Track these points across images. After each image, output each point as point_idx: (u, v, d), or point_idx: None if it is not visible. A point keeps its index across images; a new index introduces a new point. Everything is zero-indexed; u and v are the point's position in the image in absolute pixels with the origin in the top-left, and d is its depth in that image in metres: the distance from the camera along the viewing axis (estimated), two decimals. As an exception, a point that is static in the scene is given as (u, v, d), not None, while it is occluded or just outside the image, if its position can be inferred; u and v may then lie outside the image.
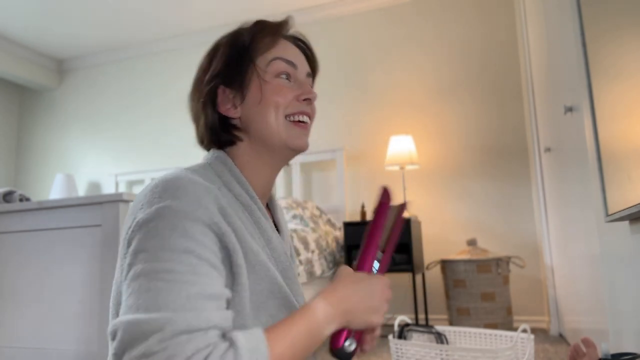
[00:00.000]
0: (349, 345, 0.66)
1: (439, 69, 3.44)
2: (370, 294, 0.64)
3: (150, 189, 0.62)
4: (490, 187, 3.21)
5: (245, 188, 0.71)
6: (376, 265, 0.74)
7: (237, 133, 0.74)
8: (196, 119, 0.77)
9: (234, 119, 0.75)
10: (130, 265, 0.56)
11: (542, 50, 2.45)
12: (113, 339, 0.52)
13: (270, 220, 0.74)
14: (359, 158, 3.54)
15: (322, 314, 0.59)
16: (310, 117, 0.77)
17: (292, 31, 0.80)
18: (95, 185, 4.42)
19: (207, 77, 0.74)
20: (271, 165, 0.76)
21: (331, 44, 3.76)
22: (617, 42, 1.12)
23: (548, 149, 2.50)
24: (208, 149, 0.77)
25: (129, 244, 0.58)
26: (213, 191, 0.62)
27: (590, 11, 1.31)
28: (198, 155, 0.80)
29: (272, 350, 0.52)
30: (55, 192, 4.13)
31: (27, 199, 1.85)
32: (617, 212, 1.14)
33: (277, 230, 0.80)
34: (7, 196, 1.80)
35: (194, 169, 0.69)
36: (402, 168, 3.21)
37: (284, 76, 0.74)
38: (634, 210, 1.00)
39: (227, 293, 0.58)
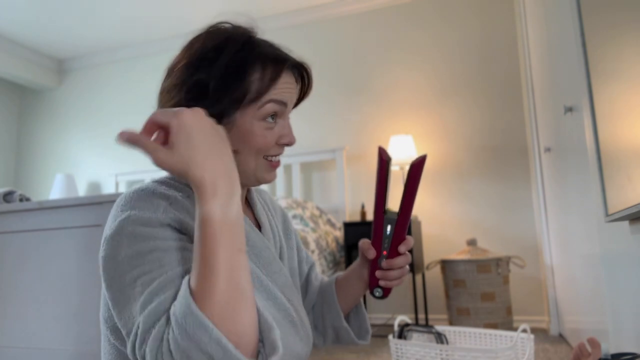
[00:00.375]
0: (378, 293, 0.83)
1: (439, 69, 3.44)
2: (199, 135, 0.56)
3: (116, 204, 0.65)
4: (491, 187, 3.21)
5: None
6: (389, 228, 0.80)
7: None
8: None
9: None
10: (105, 277, 0.61)
11: (542, 50, 2.45)
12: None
13: (248, 218, 0.76)
14: (359, 158, 3.54)
15: (218, 212, 0.54)
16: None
17: (294, 59, 0.75)
18: (95, 185, 4.42)
19: (188, 88, 0.69)
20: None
21: (331, 44, 3.76)
22: (617, 42, 1.12)
23: (548, 149, 2.50)
24: None
25: (102, 260, 0.62)
26: (177, 198, 0.65)
27: (590, 11, 1.31)
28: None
29: (200, 294, 0.51)
30: (55, 192, 4.13)
31: (27, 199, 1.85)
32: (617, 212, 1.14)
33: (259, 226, 0.81)
34: (7, 196, 1.80)
35: (162, 180, 0.70)
36: (402, 168, 3.21)
37: (270, 118, 0.71)
38: (634, 210, 1.00)
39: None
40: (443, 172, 3.33)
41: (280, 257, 0.82)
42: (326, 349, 2.55)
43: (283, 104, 0.71)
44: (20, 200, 1.82)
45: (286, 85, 0.72)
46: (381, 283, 0.82)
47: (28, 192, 4.53)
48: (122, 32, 4.18)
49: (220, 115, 0.68)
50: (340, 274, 0.94)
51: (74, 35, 4.21)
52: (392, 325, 3.14)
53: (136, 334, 0.53)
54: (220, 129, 0.59)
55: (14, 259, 1.67)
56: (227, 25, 0.74)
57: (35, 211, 1.66)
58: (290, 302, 0.75)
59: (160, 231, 0.60)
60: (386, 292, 0.84)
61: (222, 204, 0.54)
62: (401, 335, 1.58)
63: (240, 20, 0.76)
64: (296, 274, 0.88)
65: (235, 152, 0.70)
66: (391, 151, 3.19)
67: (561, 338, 2.61)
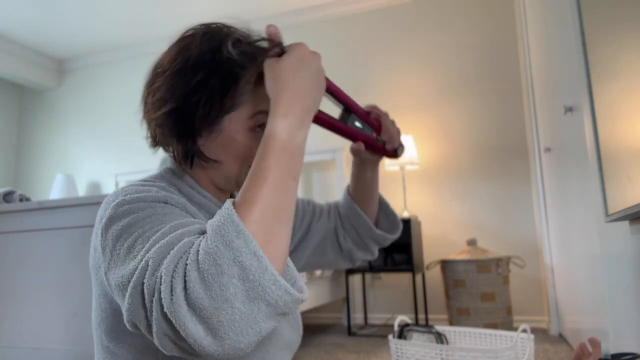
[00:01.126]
0: (401, 150, 0.89)
1: (439, 69, 3.44)
2: (306, 68, 0.60)
3: (103, 202, 0.64)
4: (490, 187, 3.21)
5: (198, 191, 0.70)
6: (356, 123, 0.85)
7: (196, 159, 0.70)
8: (152, 125, 0.72)
9: (201, 151, 0.69)
10: (108, 250, 0.57)
11: (542, 50, 2.45)
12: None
13: None
14: (359, 158, 3.54)
15: (284, 132, 0.54)
16: None
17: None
18: (95, 185, 4.42)
19: (178, 93, 0.67)
20: (221, 190, 0.75)
21: (331, 44, 3.76)
22: (617, 42, 1.12)
23: (548, 149, 2.50)
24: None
25: (102, 248, 0.58)
26: (171, 194, 0.64)
27: (591, 11, 1.31)
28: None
29: (243, 205, 0.49)
30: (55, 192, 4.13)
31: (27, 199, 1.85)
32: (617, 212, 1.14)
33: None
34: (7, 196, 1.80)
35: (146, 180, 0.68)
36: (402, 168, 3.21)
37: (259, 128, 0.69)
38: (634, 210, 1.00)
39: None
40: (443, 172, 3.33)
41: None
42: (326, 350, 2.55)
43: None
44: (20, 200, 1.82)
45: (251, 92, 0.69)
46: (389, 146, 0.87)
47: (28, 192, 4.53)
48: (122, 32, 4.18)
49: (209, 122, 0.66)
50: (348, 185, 0.98)
51: (74, 35, 4.20)
52: (392, 325, 3.14)
53: (145, 266, 0.48)
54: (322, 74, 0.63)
55: (14, 259, 1.67)
56: (215, 26, 0.72)
57: (35, 211, 1.66)
58: None
59: (158, 204, 0.59)
60: (399, 145, 0.89)
61: (291, 125, 0.55)
62: (401, 335, 1.58)
63: (230, 21, 0.74)
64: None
65: (218, 161, 0.69)
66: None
67: (561, 338, 2.61)
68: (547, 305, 2.90)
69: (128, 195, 0.60)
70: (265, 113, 0.67)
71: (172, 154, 0.71)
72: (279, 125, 0.54)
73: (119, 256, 0.55)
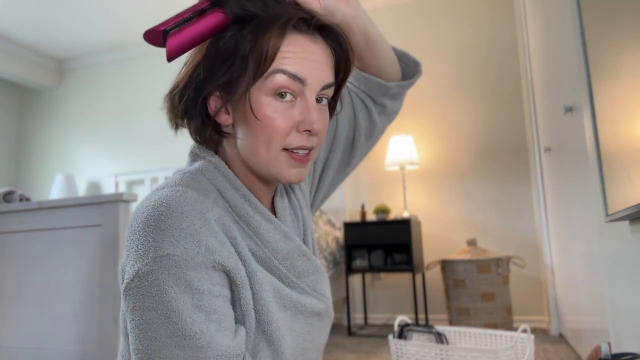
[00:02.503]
0: None
1: (439, 69, 3.44)
2: None
3: (142, 225, 0.55)
4: (490, 187, 3.21)
5: (242, 193, 0.63)
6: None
7: (229, 138, 0.64)
8: (181, 116, 0.65)
9: (225, 125, 0.63)
10: (135, 321, 0.53)
11: (542, 50, 2.45)
12: None
13: (278, 222, 0.66)
14: (359, 158, 3.54)
15: None
16: (313, 149, 0.64)
17: (316, 19, 0.61)
18: (95, 185, 4.42)
19: (195, 73, 0.62)
20: (268, 185, 0.68)
21: (331, 44, 3.75)
22: (617, 42, 1.12)
23: (548, 149, 2.50)
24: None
25: (128, 293, 0.54)
26: (211, 217, 0.57)
27: (591, 11, 1.31)
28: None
29: None
30: (55, 192, 4.13)
31: (27, 199, 1.85)
32: (617, 212, 1.14)
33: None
34: (7, 196, 1.80)
35: (186, 182, 0.60)
36: (402, 168, 3.21)
37: (283, 95, 0.59)
38: (634, 210, 1.00)
39: (240, 336, 0.58)
40: (443, 172, 3.33)
41: (305, 240, 0.75)
42: (326, 350, 2.55)
43: (295, 77, 0.59)
44: (20, 200, 1.82)
45: (301, 50, 0.59)
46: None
47: (28, 192, 4.53)
48: (122, 32, 4.18)
49: (228, 94, 0.60)
50: None
51: (74, 35, 4.20)
52: (392, 325, 3.14)
53: None
54: None
55: (14, 259, 1.67)
56: None
57: (35, 211, 1.66)
58: (322, 295, 0.71)
59: (205, 281, 0.54)
60: None
61: None
62: (401, 335, 1.58)
63: None
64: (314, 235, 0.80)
65: (242, 141, 0.62)
66: (391, 151, 3.19)
67: (561, 338, 2.61)
68: (547, 305, 2.90)
69: (173, 246, 0.53)
70: (283, 72, 0.58)
71: (196, 135, 0.65)
72: None
73: (131, 331, 0.54)
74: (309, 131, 0.61)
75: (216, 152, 0.67)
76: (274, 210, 0.72)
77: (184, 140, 0.75)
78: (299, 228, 0.74)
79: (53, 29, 4.06)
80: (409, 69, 0.86)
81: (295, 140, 0.61)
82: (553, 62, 2.13)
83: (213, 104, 0.62)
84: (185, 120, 0.65)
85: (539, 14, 2.46)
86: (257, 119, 0.59)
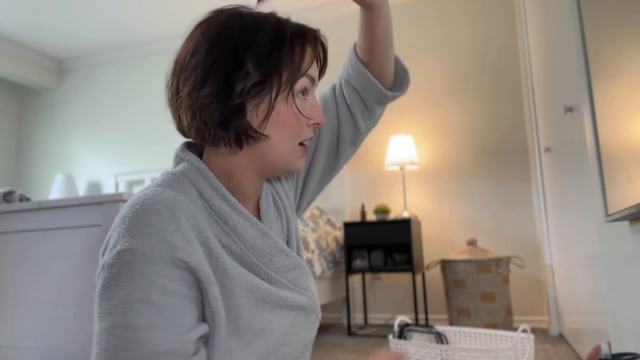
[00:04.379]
0: None
1: (439, 69, 3.44)
2: None
3: (118, 221, 0.60)
4: (490, 187, 3.21)
5: (221, 193, 0.66)
6: None
7: (249, 140, 0.67)
8: (197, 108, 0.65)
9: (252, 126, 0.66)
10: (97, 311, 0.57)
11: (542, 50, 2.45)
12: None
13: (256, 220, 0.69)
14: (359, 158, 3.54)
15: None
16: None
17: (317, 31, 0.71)
18: (95, 185, 4.42)
19: (241, 73, 0.63)
20: (261, 177, 0.72)
21: (331, 44, 3.74)
22: (617, 42, 1.12)
23: (548, 149, 2.50)
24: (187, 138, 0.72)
25: (96, 284, 0.58)
26: (182, 215, 0.59)
27: (590, 11, 1.31)
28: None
29: None
30: (55, 192, 4.13)
31: (27, 199, 1.85)
32: (617, 212, 1.14)
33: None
34: (7, 196, 1.80)
35: (167, 183, 0.64)
36: (402, 168, 3.21)
37: (304, 94, 0.68)
38: (634, 210, 1.00)
39: (193, 335, 0.57)
40: (443, 172, 3.33)
41: (289, 240, 0.77)
42: (326, 350, 2.55)
43: (312, 79, 0.68)
44: (20, 200, 1.82)
45: (312, 60, 0.68)
46: None
47: (28, 192, 4.53)
48: (122, 32, 4.18)
49: (269, 99, 0.64)
50: (355, 43, 0.89)
51: (74, 35, 4.20)
52: (392, 325, 3.14)
53: None
54: None
55: (14, 259, 1.67)
56: (240, 9, 0.70)
57: (35, 211, 1.66)
58: (305, 290, 0.72)
59: (161, 276, 0.56)
60: None
61: None
62: (401, 335, 1.58)
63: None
64: (298, 234, 0.82)
65: (269, 140, 0.66)
66: (391, 151, 3.19)
67: (561, 338, 2.61)
68: (547, 305, 2.90)
69: (137, 240, 0.56)
70: (308, 77, 0.67)
71: (210, 139, 0.66)
72: None
73: (100, 328, 0.56)
74: (317, 124, 0.70)
75: (200, 157, 0.71)
76: (259, 210, 0.75)
77: (184, 140, 0.75)
78: (282, 226, 0.77)
79: (53, 29, 4.06)
80: (398, 76, 0.91)
81: (306, 133, 0.69)
82: (553, 62, 2.13)
83: (253, 110, 0.65)
84: (215, 130, 0.65)
85: (539, 14, 2.46)
86: (288, 121, 0.66)
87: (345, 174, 3.53)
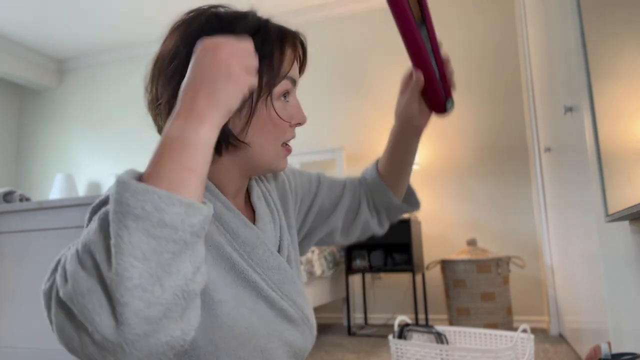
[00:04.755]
0: (450, 105, 0.79)
1: (439, 69, 3.44)
2: (204, 70, 0.52)
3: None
4: (490, 187, 3.21)
5: (213, 193, 0.68)
6: (426, 40, 0.76)
7: (230, 147, 0.67)
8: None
9: (233, 134, 0.66)
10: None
11: (542, 50, 2.45)
12: None
13: (240, 214, 0.69)
14: (359, 158, 3.54)
15: (182, 128, 0.49)
16: None
17: (297, 32, 0.72)
18: (95, 185, 4.42)
19: None
20: (245, 176, 0.72)
21: (331, 44, 3.75)
22: (617, 42, 1.12)
23: (548, 149, 2.50)
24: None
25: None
26: None
27: (590, 12, 1.31)
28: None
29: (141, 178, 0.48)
30: (55, 192, 4.13)
31: (27, 199, 1.85)
32: (617, 212, 1.14)
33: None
34: (7, 196, 1.80)
35: None
36: (402, 168, 3.21)
37: (286, 97, 0.68)
38: (634, 210, 1.00)
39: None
40: (443, 172, 3.33)
41: (280, 248, 0.77)
42: (326, 350, 2.55)
43: (293, 81, 0.69)
44: (20, 200, 1.82)
45: (293, 61, 0.68)
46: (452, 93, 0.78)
47: (28, 192, 4.53)
48: (122, 32, 4.18)
49: (250, 104, 0.64)
50: (380, 158, 0.93)
51: (74, 35, 4.20)
52: (392, 325, 3.14)
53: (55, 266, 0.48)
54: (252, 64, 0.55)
55: (14, 259, 1.67)
56: (219, 9, 0.68)
57: (35, 211, 1.66)
58: (288, 297, 0.72)
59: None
60: (451, 97, 0.81)
61: (186, 123, 0.49)
62: (401, 335, 1.58)
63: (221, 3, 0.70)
64: (297, 258, 0.82)
65: (251, 143, 0.66)
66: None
67: (561, 338, 2.61)
68: (547, 305, 2.90)
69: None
70: (289, 80, 0.67)
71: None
72: (172, 125, 0.50)
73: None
74: (299, 124, 0.71)
75: None
76: (248, 211, 0.75)
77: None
78: (275, 232, 0.76)
79: (53, 29, 4.06)
80: (407, 199, 0.95)
81: (289, 134, 0.70)
82: (553, 62, 2.13)
83: (234, 116, 0.64)
84: None
85: (539, 14, 2.46)
86: (270, 123, 0.66)
87: (346, 174, 3.53)
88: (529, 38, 2.91)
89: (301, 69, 0.73)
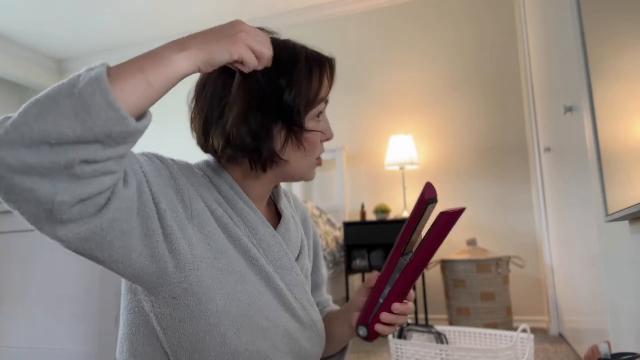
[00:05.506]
0: (362, 332, 0.74)
1: (439, 69, 3.44)
2: (218, 28, 0.62)
3: None
4: (490, 187, 3.21)
5: (229, 183, 0.72)
6: (398, 271, 0.71)
7: (279, 164, 0.72)
8: (231, 124, 0.68)
9: (277, 153, 0.70)
10: None
11: (542, 50, 2.45)
12: None
13: (261, 214, 0.74)
14: (359, 158, 3.54)
15: (166, 47, 0.58)
16: None
17: (331, 59, 0.79)
18: (95, 185, 4.42)
19: (285, 100, 0.68)
20: (274, 183, 0.78)
21: (331, 44, 3.75)
22: (617, 41, 1.12)
23: (548, 149, 2.50)
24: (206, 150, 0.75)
25: None
26: (197, 181, 0.69)
27: (590, 11, 1.31)
28: (200, 156, 0.79)
29: (111, 68, 0.52)
30: (55, 192, 4.13)
31: (27, 199, 1.85)
32: (617, 212, 1.14)
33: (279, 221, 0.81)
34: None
35: (191, 165, 0.73)
36: (402, 168, 3.21)
37: (319, 117, 0.74)
38: (634, 210, 1.00)
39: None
40: (443, 172, 3.33)
41: (299, 256, 0.81)
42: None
43: (327, 101, 0.75)
44: (20, 200, 1.82)
45: (329, 85, 0.75)
46: (377, 328, 0.73)
47: (28, 192, 4.53)
48: (122, 32, 4.18)
49: (299, 132, 0.70)
50: (333, 309, 0.92)
51: (74, 35, 4.20)
52: (392, 325, 3.14)
53: None
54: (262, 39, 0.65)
55: (14, 259, 1.67)
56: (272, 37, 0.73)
57: (35, 211, 1.65)
58: (298, 301, 0.74)
59: (162, 167, 0.66)
60: (372, 335, 0.74)
61: (171, 46, 0.57)
62: (401, 335, 1.58)
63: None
64: (309, 275, 0.86)
65: (289, 160, 0.71)
66: (391, 151, 3.19)
67: (561, 338, 2.61)
68: (547, 305, 2.90)
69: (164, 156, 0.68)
70: (325, 101, 0.73)
71: (238, 159, 0.71)
72: (165, 45, 0.57)
73: None
74: (327, 139, 0.76)
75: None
76: (270, 217, 0.81)
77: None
78: (296, 241, 0.81)
79: (53, 29, 4.06)
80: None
81: (320, 149, 0.76)
82: (553, 62, 2.13)
83: (276, 136, 0.70)
84: (246, 153, 0.70)
85: (538, 13, 2.46)
86: (312, 141, 0.72)
87: (346, 174, 3.53)
88: (529, 38, 2.91)
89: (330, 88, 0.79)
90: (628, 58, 1.03)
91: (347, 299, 2.99)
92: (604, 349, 0.84)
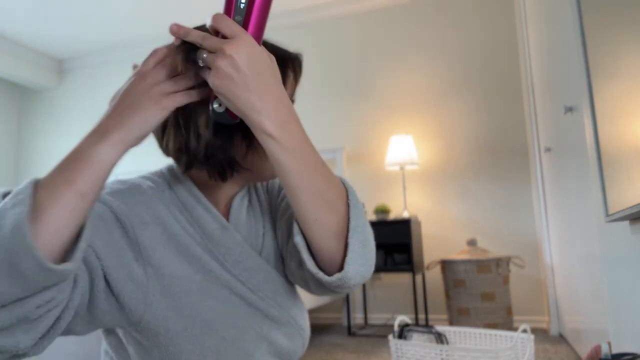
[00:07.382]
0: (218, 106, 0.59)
1: (439, 69, 3.44)
2: (124, 93, 0.60)
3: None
4: (490, 187, 3.21)
5: (187, 187, 0.71)
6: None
7: (233, 173, 0.69)
8: (191, 133, 0.66)
9: (237, 162, 0.68)
10: None
11: (542, 50, 2.45)
12: None
13: (220, 215, 0.71)
14: (359, 158, 3.54)
15: (87, 139, 0.57)
16: None
17: (297, 55, 0.72)
18: (95, 185, 4.43)
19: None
20: (237, 187, 0.75)
21: (331, 44, 3.76)
22: (617, 41, 1.12)
23: (548, 149, 2.50)
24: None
25: None
26: (148, 199, 0.68)
27: (590, 11, 1.31)
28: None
29: (38, 183, 0.52)
30: (55, 192, 4.13)
31: (27, 199, 1.85)
32: (617, 212, 1.14)
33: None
34: (7, 196, 1.79)
35: (147, 176, 0.74)
36: (402, 168, 3.21)
37: None
38: (634, 210, 1.00)
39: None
40: (443, 172, 3.33)
41: (262, 249, 0.75)
42: (326, 350, 2.55)
43: (293, 101, 0.71)
44: (20, 200, 1.82)
45: (294, 85, 0.71)
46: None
47: (28, 192, 4.53)
48: (122, 32, 4.18)
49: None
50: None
51: (74, 35, 4.20)
52: (392, 326, 3.14)
53: None
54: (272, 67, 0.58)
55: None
56: None
57: (35, 211, 1.65)
58: (270, 298, 0.71)
59: (107, 213, 0.64)
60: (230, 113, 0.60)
61: (89, 137, 0.59)
62: (401, 336, 1.58)
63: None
64: (286, 244, 0.75)
65: (251, 168, 0.69)
66: (391, 151, 3.19)
67: (561, 338, 2.61)
68: (547, 305, 2.90)
69: (109, 196, 0.67)
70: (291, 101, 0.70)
71: (202, 167, 0.68)
72: (83, 138, 0.57)
73: None
74: None
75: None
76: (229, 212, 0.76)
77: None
78: (257, 230, 0.75)
79: (53, 29, 4.06)
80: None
81: None
82: (553, 62, 2.13)
83: (239, 142, 0.67)
84: (203, 161, 0.67)
85: (539, 14, 2.46)
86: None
87: (346, 174, 3.53)
88: (529, 38, 2.91)
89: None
90: (628, 58, 1.03)
91: (347, 298, 2.99)
92: (604, 349, 0.84)
